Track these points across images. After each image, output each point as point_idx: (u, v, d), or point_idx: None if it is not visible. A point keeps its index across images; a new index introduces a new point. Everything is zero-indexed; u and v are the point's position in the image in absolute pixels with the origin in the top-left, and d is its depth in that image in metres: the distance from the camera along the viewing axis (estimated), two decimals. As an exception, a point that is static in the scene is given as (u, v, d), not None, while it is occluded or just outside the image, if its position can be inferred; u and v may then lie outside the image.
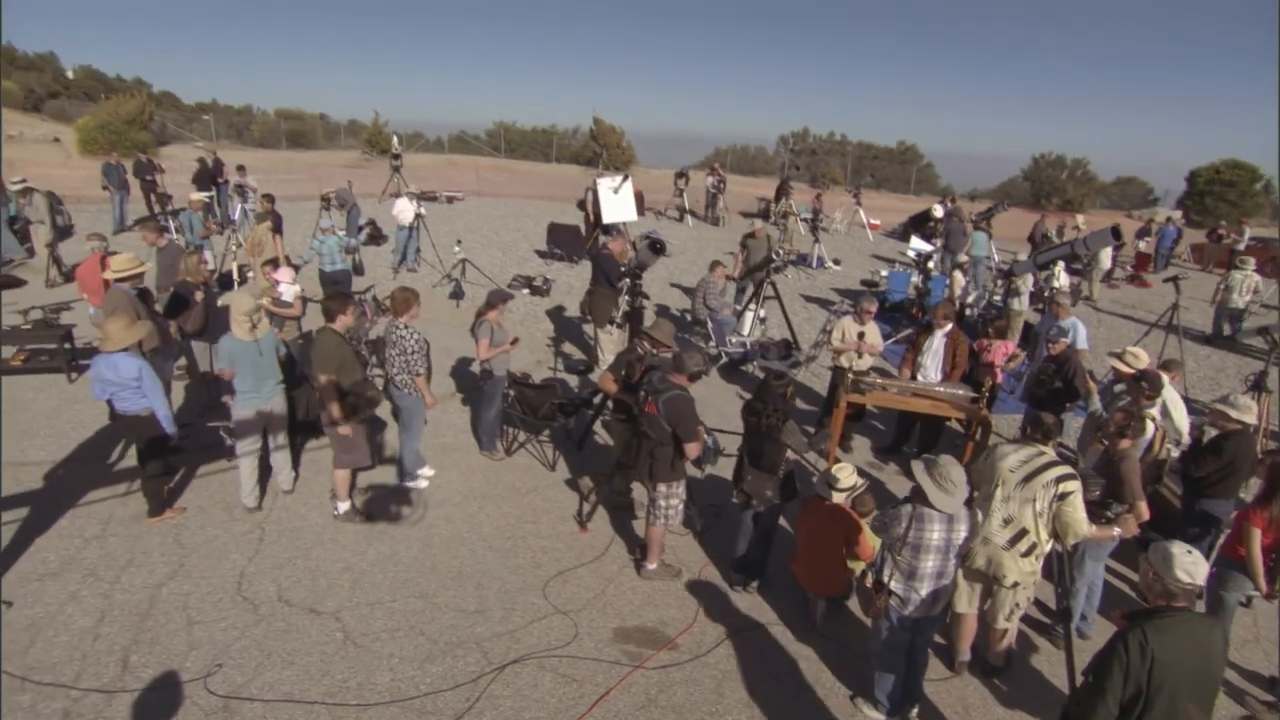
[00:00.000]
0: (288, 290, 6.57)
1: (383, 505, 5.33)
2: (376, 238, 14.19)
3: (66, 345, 7.27)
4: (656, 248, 6.17)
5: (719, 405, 7.55)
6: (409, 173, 19.45)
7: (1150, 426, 4.56)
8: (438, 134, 38.02)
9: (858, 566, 4.41)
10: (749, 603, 4.61)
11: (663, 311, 11.01)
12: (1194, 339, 11.21)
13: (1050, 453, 3.76)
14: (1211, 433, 4.65)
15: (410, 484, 5.56)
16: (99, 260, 6.87)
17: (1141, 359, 5.03)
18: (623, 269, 6.53)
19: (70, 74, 40.13)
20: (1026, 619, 4.40)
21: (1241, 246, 17.82)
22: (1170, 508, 4.98)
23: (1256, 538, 3.88)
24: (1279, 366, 6.84)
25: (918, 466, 3.36)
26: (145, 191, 15.09)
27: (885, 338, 6.96)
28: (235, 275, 10.47)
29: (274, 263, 6.93)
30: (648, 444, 4.31)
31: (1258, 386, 6.75)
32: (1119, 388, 5.12)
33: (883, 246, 18.39)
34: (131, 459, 5.70)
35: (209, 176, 14.30)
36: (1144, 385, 4.61)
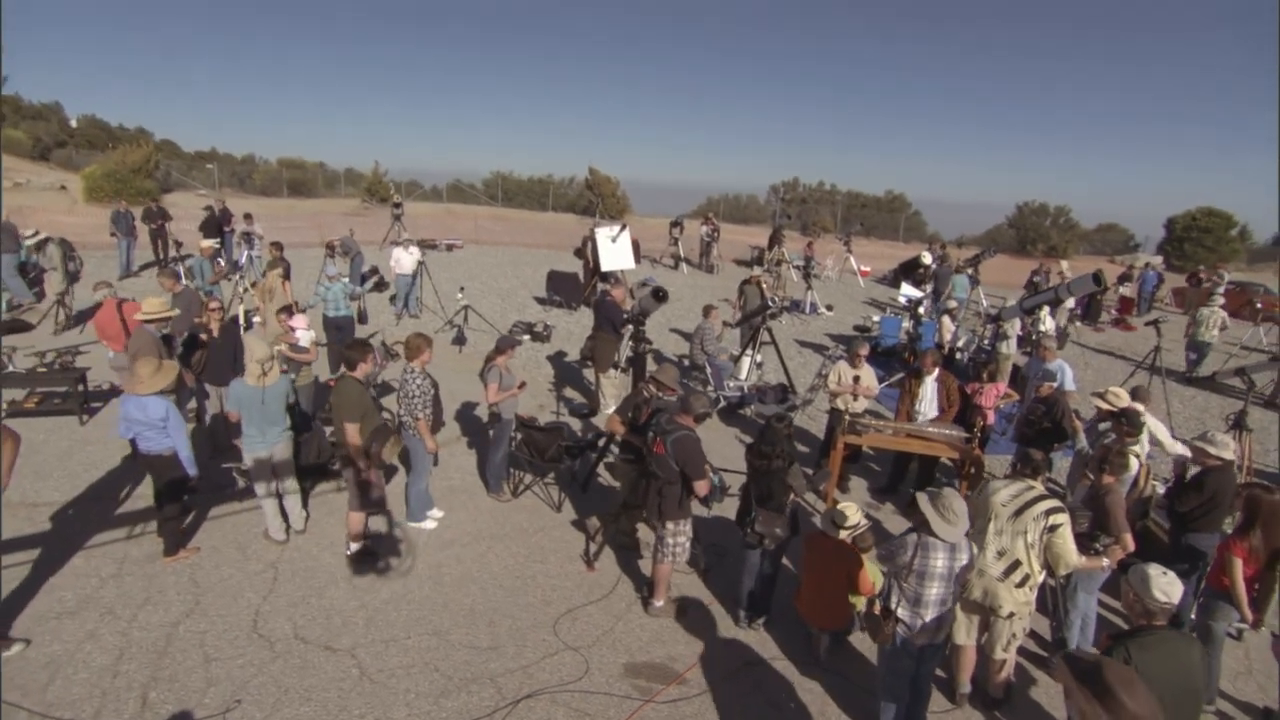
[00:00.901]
0: (304, 336, 6.79)
1: (394, 546, 5.44)
2: (381, 285, 14.48)
3: (80, 388, 7.42)
4: (659, 295, 6.44)
5: (719, 448, 7.72)
6: (409, 220, 19.91)
7: (1134, 463, 4.78)
8: (434, 182, 38.93)
9: (859, 601, 4.55)
10: (755, 639, 4.72)
11: (660, 356, 11.26)
12: (1177, 380, 11.55)
13: (1040, 487, 3.96)
14: (1194, 469, 4.86)
15: (420, 525, 5.68)
16: (115, 305, 7.08)
17: (1123, 398, 5.28)
18: (626, 316, 6.78)
19: (74, 123, 41.10)
20: (1024, 652, 4.53)
21: (1221, 290, 18.38)
22: (1159, 542, 5.15)
23: (1238, 567, 4.06)
24: (1260, 404, 7.12)
25: (922, 498, 3.55)
26: (153, 238, 15.42)
27: (879, 380, 7.21)
28: (242, 320, 10.68)
29: (289, 310, 7.15)
30: (656, 483, 4.48)
31: (1238, 425, 7.00)
32: (1104, 426, 5.35)
33: (873, 292, 18.84)
34: (142, 499, 5.83)
35: (217, 224, 14.64)
36: (1125, 423, 4.84)
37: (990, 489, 4.06)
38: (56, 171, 28.69)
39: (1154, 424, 5.46)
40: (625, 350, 7.66)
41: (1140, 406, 5.31)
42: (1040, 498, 3.87)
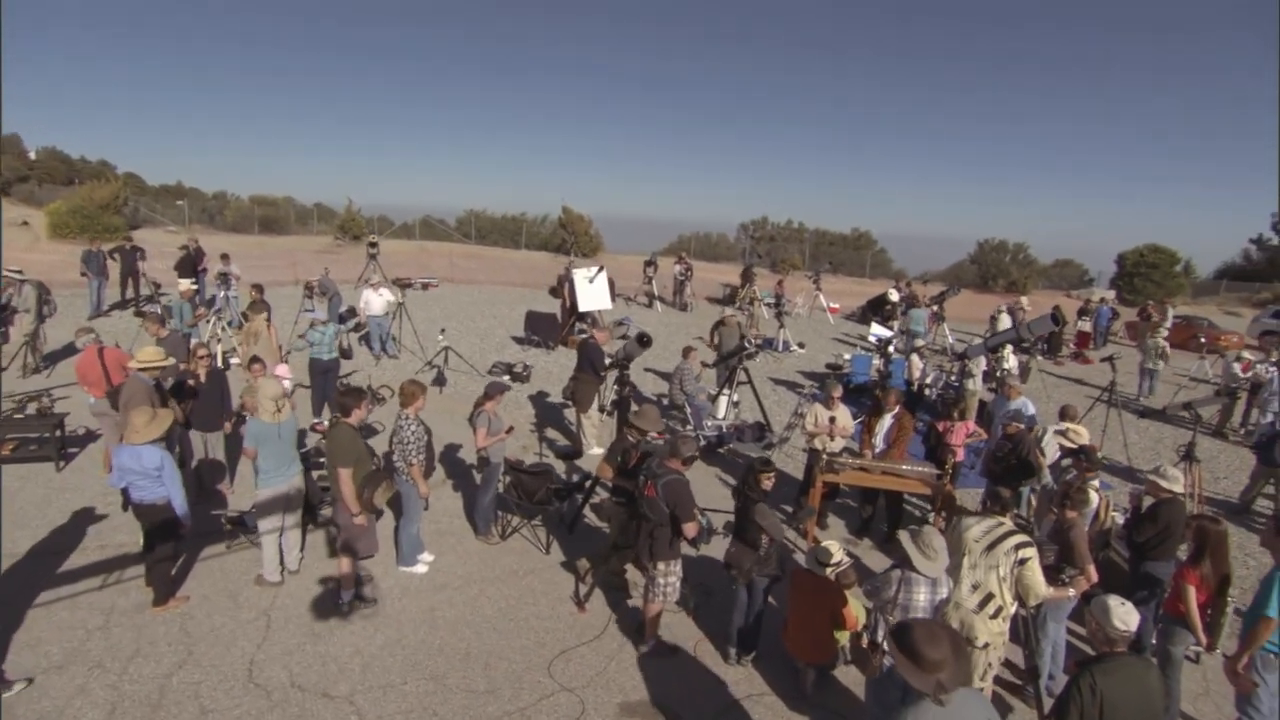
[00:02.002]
0: (290, 384, 6.85)
1: (386, 591, 5.49)
2: (360, 326, 14.51)
3: (58, 433, 7.33)
4: (643, 340, 6.68)
5: (700, 487, 7.81)
6: (384, 259, 19.98)
7: (1095, 497, 5.10)
8: (404, 218, 39.05)
9: (843, 636, 4.75)
10: (744, 674, 4.86)
11: (639, 396, 11.46)
12: (1133, 412, 12.13)
13: (1009, 523, 4.23)
14: (1148, 501, 5.20)
15: (412, 569, 5.74)
16: (97, 352, 7.07)
17: (1083, 436, 5.63)
18: (610, 360, 7.00)
19: (33, 155, 40.43)
20: (999, 680, 4.75)
21: (1167, 324, 19.36)
22: (1120, 571, 5.45)
23: (1192, 594, 4.36)
24: (1208, 434, 7.60)
25: (904, 536, 3.78)
26: (124, 277, 15.26)
27: (854, 417, 7.51)
28: (220, 361, 10.63)
29: (259, 361, 7.20)
30: (647, 525, 4.66)
31: (1188, 456, 7.43)
32: (1066, 462, 5.68)
33: (843, 328, 19.39)
34: (125, 547, 5.79)
35: (192, 264, 14.57)
36: (1085, 460, 5.17)
37: (963, 525, 4.32)
38: (19, 207, 28.14)
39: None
40: (610, 393, 7.85)
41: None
42: (1010, 533, 4.13)
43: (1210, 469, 9.35)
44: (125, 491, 4.93)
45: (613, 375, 8.43)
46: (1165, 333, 13.71)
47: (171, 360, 6.30)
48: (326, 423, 7.30)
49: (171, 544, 5.07)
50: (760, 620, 4.92)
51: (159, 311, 8.97)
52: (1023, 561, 4.04)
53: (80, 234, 23.95)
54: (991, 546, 4.14)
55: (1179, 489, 4.99)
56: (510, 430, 6.24)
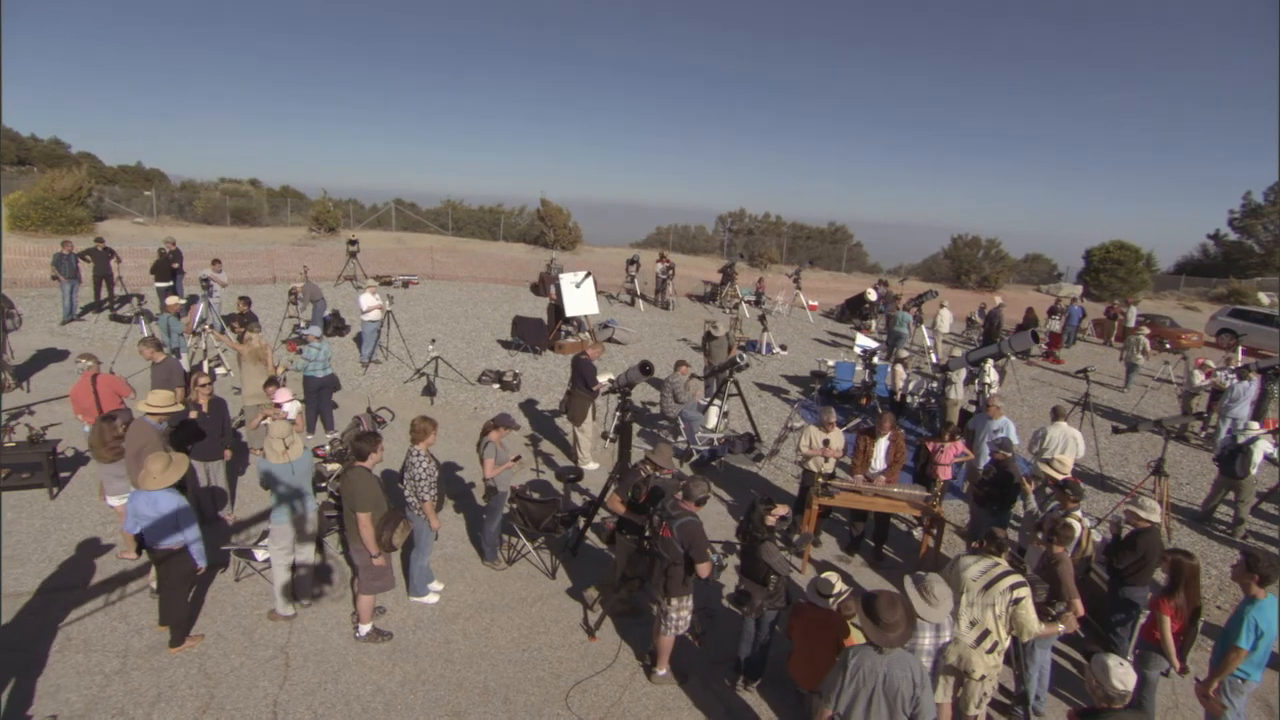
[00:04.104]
0: (291, 409, 6.86)
1: (400, 623, 5.60)
2: (341, 329, 14.39)
3: (51, 458, 7.24)
4: (645, 369, 6.82)
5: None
6: (363, 255, 19.77)
7: (1077, 527, 5.41)
8: (374, 200, 38.42)
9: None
10: (752, 700, 5.11)
11: (643, 416, 11.52)
12: (1105, 414, 12.68)
13: (1004, 563, 4.51)
14: (1128, 529, 5.53)
15: (423, 599, 5.86)
16: (90, 379, 6.99)
17: (1067, 465, 5.94)
18: (612, 384, 7.14)
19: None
20: (992, 703, 5.05)
21: (1131, 323, 20.11)
22: (1101, 592, 5.81)
23: (1167, 624, 4.70)
24: (1170, 437, 8.10)
25: (908, 583, 4.01)
26: (96, 279, 14.88)
27: (840, 425, 7.75)
28: (205, 370, 10.50)
29: (272, 381, 7.21)
30: (661, 563, 4.85)
31: (1158, 471, 7.85)
32: (1049, 490, 5.99)
33: (823, 326, 19.73)
34: (128, 581, 5.81)
35: (168, 266, 14.27)
36: (1068, 492, 5.48)
37: (962, 565, 4.58)
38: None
39: (1071, 433, 7.40)
40: (612, 419, 8.00)
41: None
42: (1006, 573, 4.41)
43: (1173, 475, 9.84)
44: (140, 537, 4.95)
45: (614, 400, 8.65)
46: (1147, 331, 15.70)
47: (181, 406, 6.28)
48: (327, 446, 7.32)
49: (188, 587, 5.12)
50: (767, 649, 5.15)
51: (154, 335, 8.81)
52: (1017, 601, 4.32)
53: (43, 226, 23.21)
54: (988, 586, 4.41)
55: (1156, 518, 5.32)
56: (517, 459, 6.36)
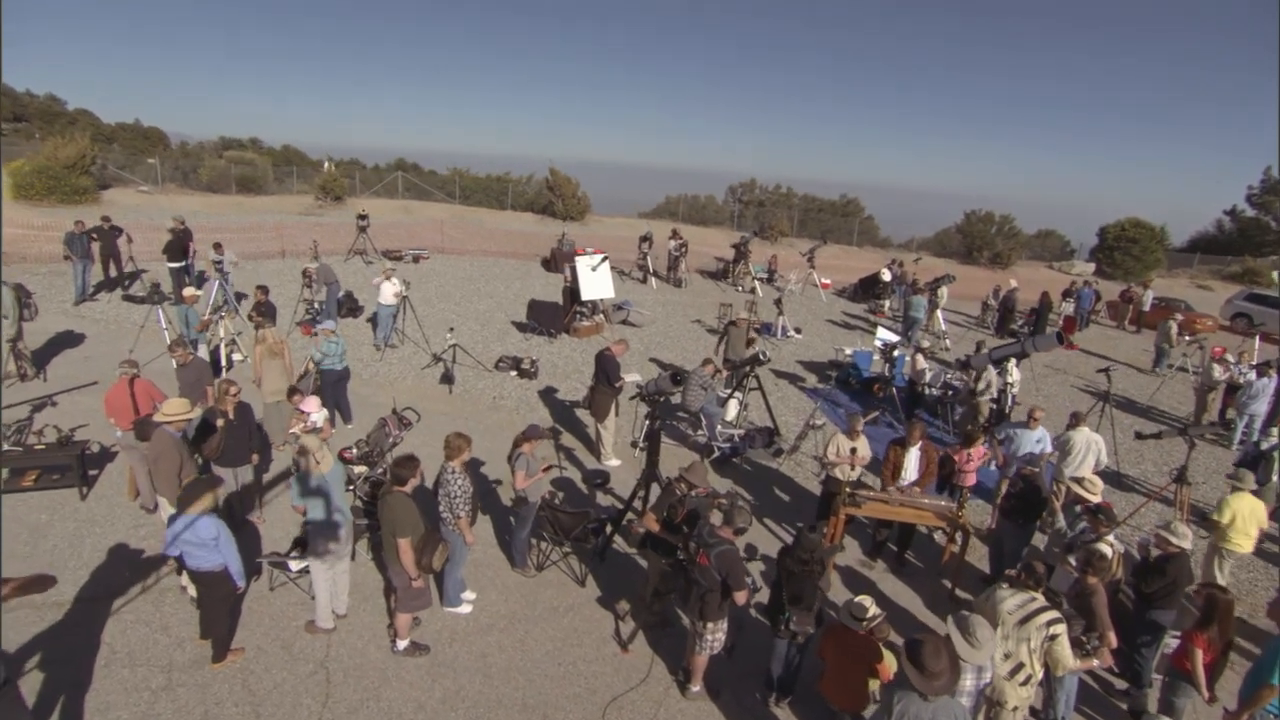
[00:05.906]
0: (319, 417, 6.87)
1: (436, 636, 5.69)
2: (355, 310, 14.33)
3: (81, 458, 7.27)
4: (677, 379, 6.79)
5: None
6: (371, 227, 19.56)
7: (1109, 550, 5.44)
8: (375, 160, 37.86)
9: (876, 684, 5.09)
10: (784, 716, 5.22)
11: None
12: (1119, 404, 12.67)
13: (1041, 598, 4.54)
14: (1157, 553, 5.57)
15: (457, 610, 5.95)
16: (128, 383, 6.97)
17: (1098, 487, 5.94)
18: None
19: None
20: (1018, 726, 5.16)
21: (1147, 307, 19.95)
22: (1128, 612, 5.87)
23: (1199, 656, 4.77)
24: (1184, 429, 8.17)
25: (951, 625, 4.05)
26: (104, 258, 14.80)
27: (863, 415, 7.76)
28: (224, 360, 10.50)
29: (293, 391, 7.19)
30: (698, 589, 4.90)
31: (1180, 479, 7.87)
32: (1079, 507, 6.01)
33: (836, 305, 19.61)
34: (166, 589, 5.90)
35: (180, 247, 14.14)
36: (1101, 517, 5.50)
37: (998, 598, 4.62)
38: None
39: (1093, 438, 7.64)
40: (642, 427, 8.00)
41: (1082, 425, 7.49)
42: (1042, 609, 4.45)
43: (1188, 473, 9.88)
44: (180, 559, 5.00)
45: (621, 385, 8.69)
46: (1179, 317, 16.36)
47: (198, 412, 6.28)
48: (354, 449, 7.34)
49: (228, 605, 5.20)
50: (799, 668, 5.24)
51: (181, 336, 8.75)
52: (1053, 637, 4.37)
53: (47, 196, 22.97)
54: (1024, 620, 4.46)
55: (1187, 545, 5.35)
56: (548, 469, 6.38)
